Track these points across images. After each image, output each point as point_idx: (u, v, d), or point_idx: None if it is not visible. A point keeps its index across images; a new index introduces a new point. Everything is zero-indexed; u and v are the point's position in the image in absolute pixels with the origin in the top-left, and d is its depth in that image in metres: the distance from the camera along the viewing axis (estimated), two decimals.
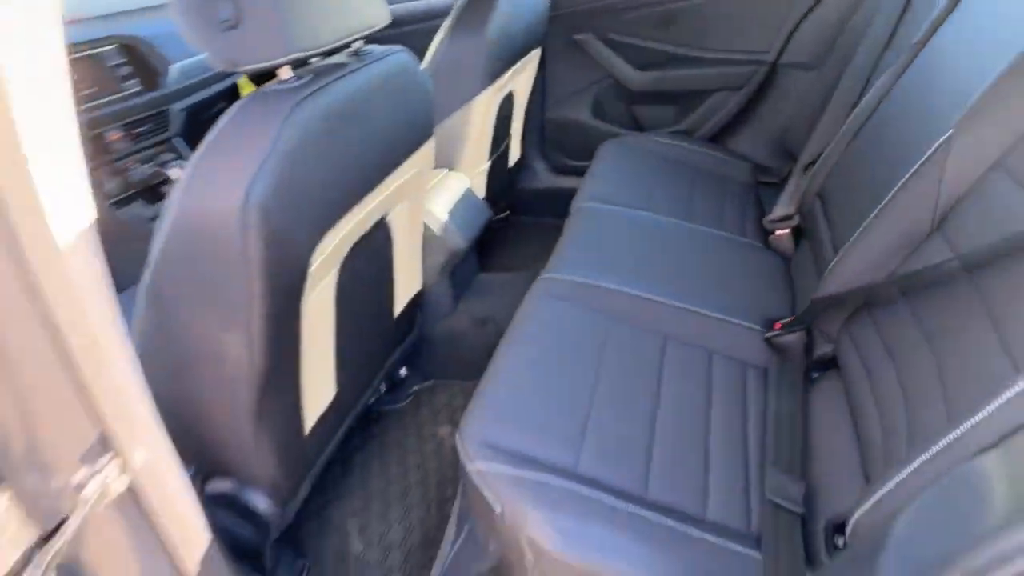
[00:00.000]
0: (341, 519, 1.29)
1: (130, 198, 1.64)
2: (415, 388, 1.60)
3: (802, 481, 0.89)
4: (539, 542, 0.77)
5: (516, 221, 2.31)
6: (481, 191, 1.76)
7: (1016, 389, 0.56)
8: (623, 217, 1.47)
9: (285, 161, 0.70)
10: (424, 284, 1.45)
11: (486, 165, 1.75)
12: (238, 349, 0.76)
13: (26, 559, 0.69)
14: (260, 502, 1.04)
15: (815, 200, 1.31)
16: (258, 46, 0.71)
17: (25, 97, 0.48)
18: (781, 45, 1.80)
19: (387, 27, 0.93)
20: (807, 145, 1.48)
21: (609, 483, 0.85)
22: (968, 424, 0.58)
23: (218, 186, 0.68)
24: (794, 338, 1.12)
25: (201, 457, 1.00)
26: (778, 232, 1.46)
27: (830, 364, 1.08)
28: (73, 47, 1.46)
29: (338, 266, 0.96)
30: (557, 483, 0.83)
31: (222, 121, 0.73)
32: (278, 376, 0.87)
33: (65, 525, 0.68)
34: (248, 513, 1.05)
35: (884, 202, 0.94)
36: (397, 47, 1.02)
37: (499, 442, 0.89)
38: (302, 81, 0.79)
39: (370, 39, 0.97)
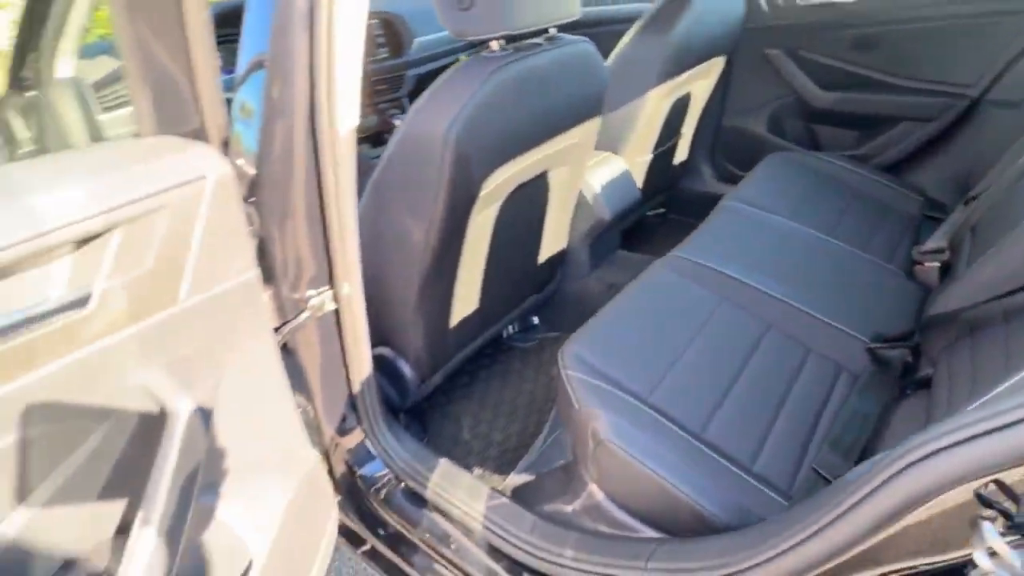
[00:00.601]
0: (458, 414, 1.59)
1: (361, 140, 2.10)
2: (542, 335, 1.85)
3: (852, 464, 0.97)
4: (600, 434, 0.97)
5: (671, 220, 2.43)
6: (640, 180, 1.94)
7: None
8: (763, 220, 1.56)
9: (481, 107, 0.98)
10: (568, 244, 1.68)
11: (648, 157, 1.92)
12: (419, 234, 1.07)
13: None
14: (407, 370, 1.36)
15: (967, 234, 1.29)
16: (481, 23, 1.00)
17: (344, 40, 0.80)
18: (990, 80, 1.71)
19: (583, 25, 1.16)
20: (981, 181, 1.43)
21: (672, 415, 1.02)
22: (993, 392, 0.66)
23: (433, 117, 0.98)
24: (897, 354, 1.15)
25: (371, 325, 1.36)
26: (926, 264, 1.44)
27: (927, 385, 1.10)
28: None
29: (501, 201, 1.23)
30: (629, 400, 1.02)
31: (446, 73, 1.03)
32: (441, 267, 1.17)
33: (294, 320, 1.04)
34: (397, 377, 1.38)
35: (1013, 231, 0.96)
36: (583, 38, 1.25)
37: (592, 361, 1.09)
38: (506, 52, 1.07)
39: (564, 31, 1.22)
